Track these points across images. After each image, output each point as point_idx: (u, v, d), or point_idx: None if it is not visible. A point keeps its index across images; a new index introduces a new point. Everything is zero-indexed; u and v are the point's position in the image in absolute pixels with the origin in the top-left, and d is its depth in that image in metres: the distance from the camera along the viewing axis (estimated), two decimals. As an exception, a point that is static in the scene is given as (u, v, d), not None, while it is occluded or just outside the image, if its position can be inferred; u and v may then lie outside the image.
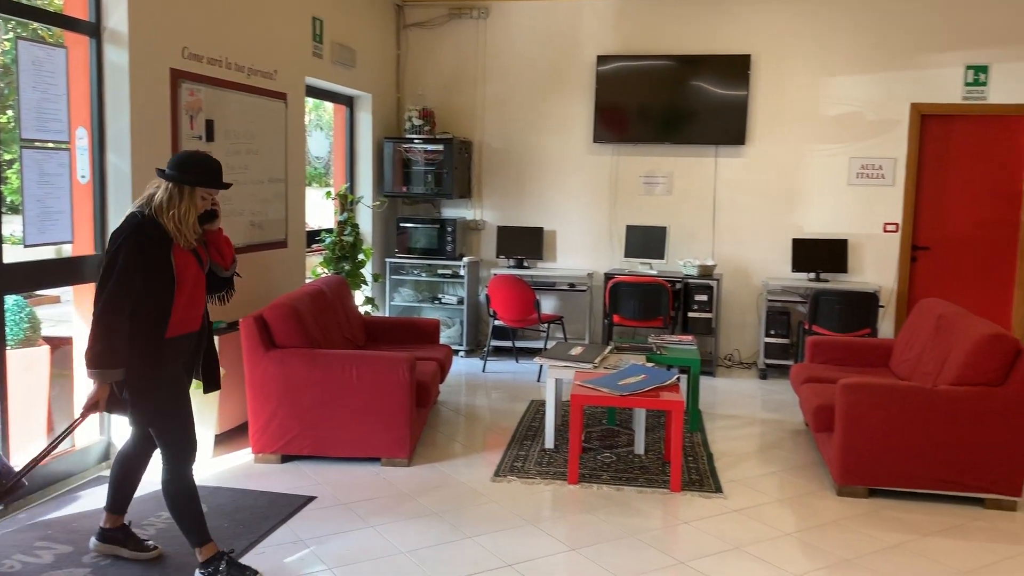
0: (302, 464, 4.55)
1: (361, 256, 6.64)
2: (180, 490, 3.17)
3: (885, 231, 7.12)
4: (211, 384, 3.47)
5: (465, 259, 7.43)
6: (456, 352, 7.22)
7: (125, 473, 3.40)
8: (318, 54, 6.23)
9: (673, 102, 7.29)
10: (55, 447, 3.09)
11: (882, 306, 6.85)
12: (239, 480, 4.30)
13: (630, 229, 7.35)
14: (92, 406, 3.04)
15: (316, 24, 6.17)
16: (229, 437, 4.88)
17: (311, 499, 4.07)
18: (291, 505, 3.97)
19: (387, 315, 7.49)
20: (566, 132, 7.57)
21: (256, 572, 3.20)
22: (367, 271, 6.89)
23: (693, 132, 7.28)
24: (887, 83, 7.00)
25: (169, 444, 3.16)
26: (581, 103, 7.52)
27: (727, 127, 7.21)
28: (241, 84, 5.21)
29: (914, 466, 4.17)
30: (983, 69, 6.83)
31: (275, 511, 3.89)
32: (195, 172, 3.12)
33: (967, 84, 6.88)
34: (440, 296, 7.67)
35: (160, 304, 3.07)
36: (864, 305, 6.52)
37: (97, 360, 2.98)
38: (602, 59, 7.37)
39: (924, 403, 4.14)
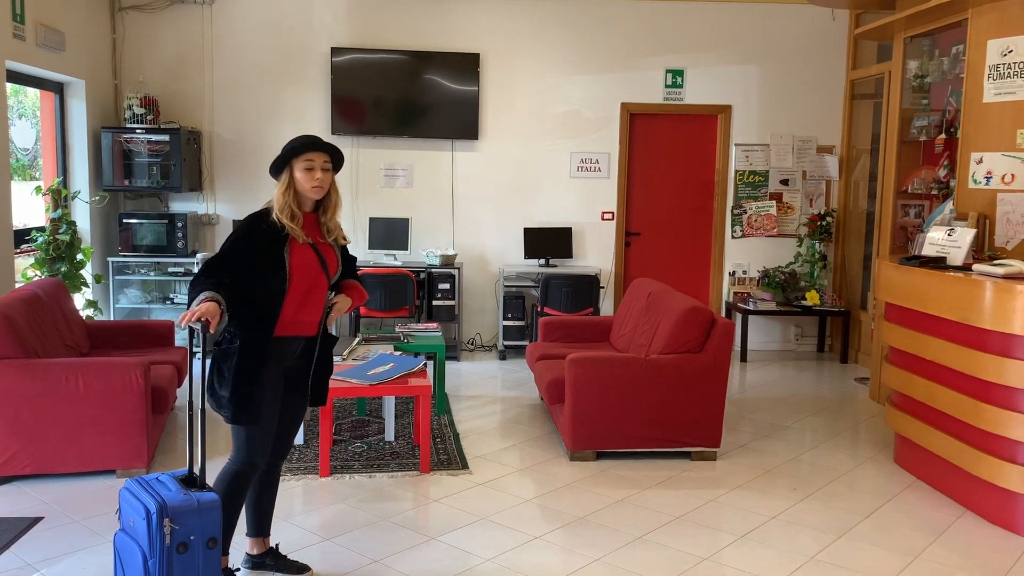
0: (23, 484, 4.18)
1: (80, 256, 6.12)
2: (227, 491, 3.08)
3: (603, 219, 7.81)
4: (317, 398, 3.30)
5: (199, 256, 7.10)
6: (195, 354, 6.87)
7: (258, 492, 3.30)
8: (19, 35, 5.64)
9: (409, 96, 7.46)
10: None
11: (603, 287, 7.53)
12: (-54, 510, 3.87)
13: (373, 221, 7.43)
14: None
15: (16, 2, 5.59)
16: (-71, 464, 4.34)
17: (37, 520, 3.76)
18: (13, 529, 3.65)
19: (112, 319, 6.97)
20: (303, 123, 7.46)
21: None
22: (87, 272, 6.37)
23: (430, 126, 7.50)
24: (601, 84, 7.67)
25: (239, 448, 3.12)
26: (317, 94, 7.46)
27: (461, 122, 7.51)
28: (-76, 66, 4.61)
29: (633, 428, 4.70)
30: (680, 73, 7.71)
31: (-6, 538, 3.56)
32: (284, 151, 3.06)
33: (667, 86, 7.73)
34: (172, 296, 7.28)
35: (269, 301, 3.01)
36: (587, 287, 7.14)
37: (192, 299, 2.92)
38: (336, 51, 7.36)
39: (639, 371, 4.66)
